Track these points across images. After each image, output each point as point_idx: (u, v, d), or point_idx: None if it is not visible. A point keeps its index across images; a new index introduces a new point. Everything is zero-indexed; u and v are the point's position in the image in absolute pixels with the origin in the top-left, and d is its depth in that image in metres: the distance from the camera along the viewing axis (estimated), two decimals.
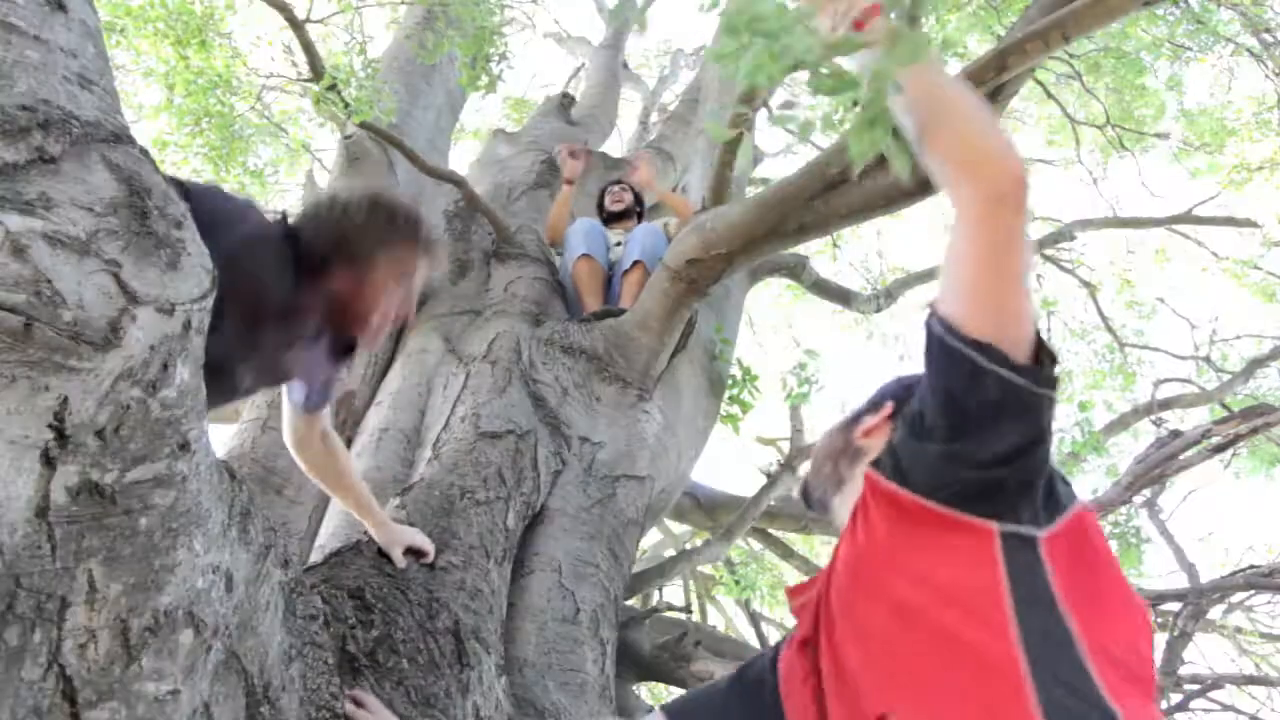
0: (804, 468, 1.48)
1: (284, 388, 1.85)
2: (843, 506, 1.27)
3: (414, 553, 1.93)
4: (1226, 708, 3.49)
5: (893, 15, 1.01)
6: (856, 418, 1.34)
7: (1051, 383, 1.00)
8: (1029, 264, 1.01)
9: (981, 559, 0.98)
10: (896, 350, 8.18)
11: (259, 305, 1.51)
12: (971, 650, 0.93)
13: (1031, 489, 1.01)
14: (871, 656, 1.02)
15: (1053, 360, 1.00)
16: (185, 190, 1.51)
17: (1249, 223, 6.49)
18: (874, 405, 1.34)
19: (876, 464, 1.12)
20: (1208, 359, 6.59)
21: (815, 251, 7.56)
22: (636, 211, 4.11)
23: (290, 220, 1.69)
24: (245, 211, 1.58)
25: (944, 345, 1.00)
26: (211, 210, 1.47)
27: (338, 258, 1.61)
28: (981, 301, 0.99)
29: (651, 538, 6.43)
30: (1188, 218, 6.57)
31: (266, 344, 1.60)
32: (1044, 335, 1.01)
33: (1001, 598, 0.95)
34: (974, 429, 1.00)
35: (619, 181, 4.24)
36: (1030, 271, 1.02)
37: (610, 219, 4.02)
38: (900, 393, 1.34)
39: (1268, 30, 5.69)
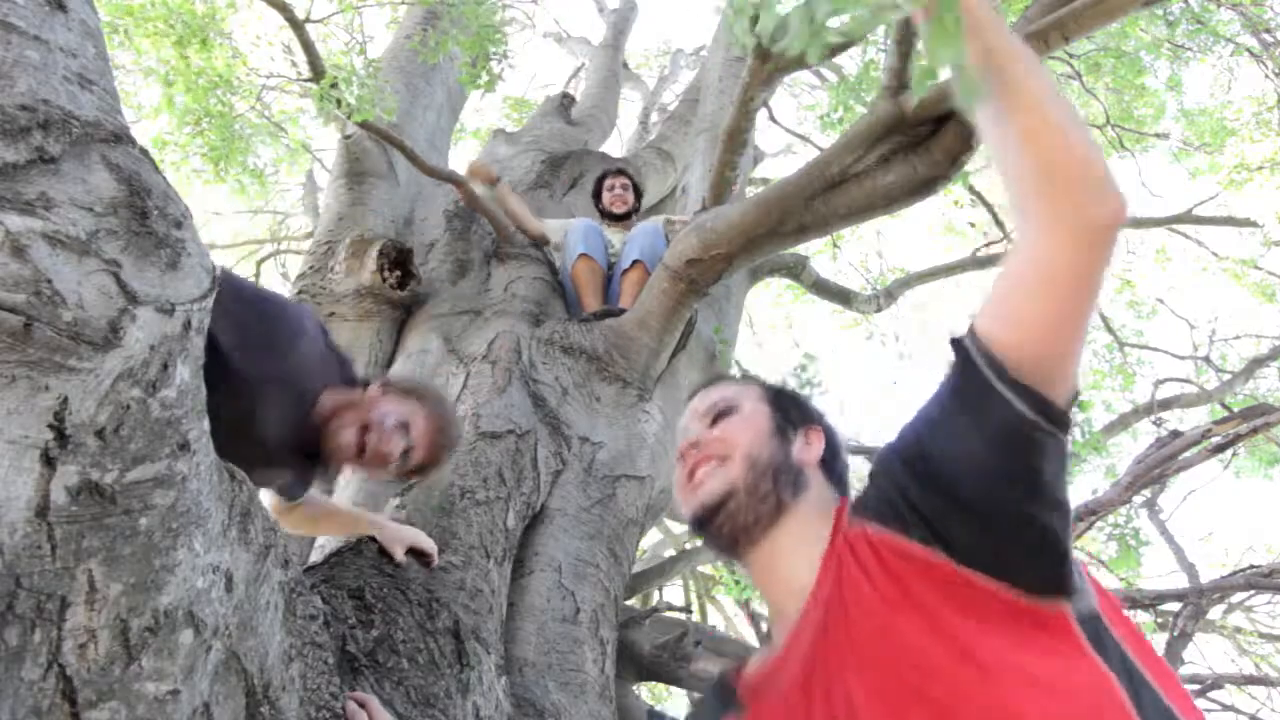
0: (710, 479, 1.06)
1: None
2: (782, 549, 1.02)
3: (416, 553, 1.93)
4: (1226, 708, 3.50)
5: None
6: (780, 427, 1.11)
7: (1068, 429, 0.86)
8: (1093, 309, 0.88)
9: (1080, 658, 0.83)
10: (896, 350, 8.18)
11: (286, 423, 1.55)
12: None
13: (1071, 551, 0.87)
14: None
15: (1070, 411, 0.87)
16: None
17: (1249, 223, 6.50)
18: (789, 415, 1.14)
19: (882, 518, 0.91)
20: (1208, 359, 6.60)
21: (815, 251, 7.56)
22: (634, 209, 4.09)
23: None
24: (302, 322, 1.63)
25: (985, 385, 0.85)
26: (278, 312, 1.52)
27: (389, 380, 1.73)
28: (1043, 346, 0.84)
29: (651, 538, 6.44)
30: (1188, 218, 6.57)
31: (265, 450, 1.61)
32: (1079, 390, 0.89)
33: (1125, 709, 0.80)
34: (1020, 488, 0.85)
35: (620, 172, 4.19)
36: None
37: (608, 218, 4.00)
38: (819, 417, 1.17)
39: (1268, 30, 5.69)
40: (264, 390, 1.48)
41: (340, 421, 1.62)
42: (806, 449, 1.11)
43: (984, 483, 0.85)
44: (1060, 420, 0.85)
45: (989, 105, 0.86)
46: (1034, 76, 0.85)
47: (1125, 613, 0.92)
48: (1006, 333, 0.86)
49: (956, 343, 0.90)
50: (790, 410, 1.15)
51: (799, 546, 1.01)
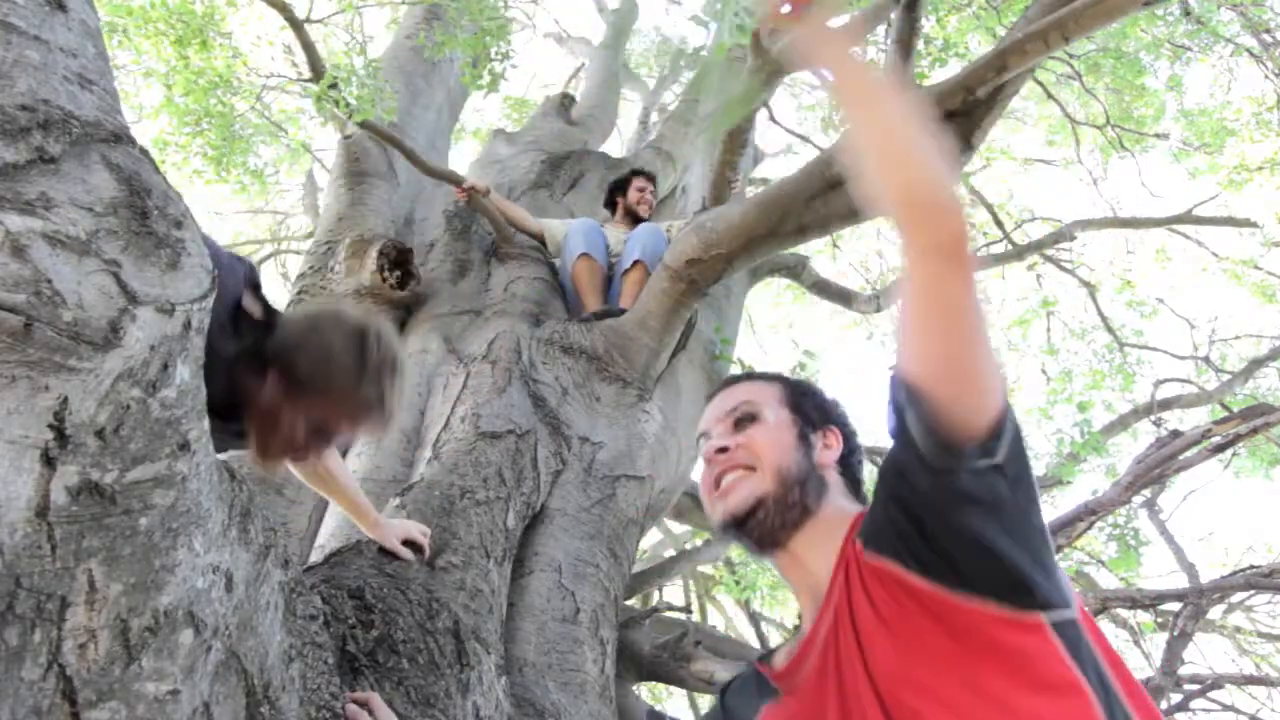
0: (739, 488, 1.11)
1: None
2: (805, 550, 1.07)
3: (413, 546, 1.93)
4: (1226, 708, 3.50)
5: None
6: (802, 434, 1.14)
7: (999, 451, 0.86)
8: (984, 322, 0.89)
9: (1054, 666, 0.84)
10: (896, 350, 8.17)
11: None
12: None
13: (1051, 556, 0.88)
14: None
15: (1013, 429, 0.88)
16: None
17: (1249, 223, 6.49)
18: (810, 418, 1.16)
19: (877, 544, 0.93)
20: (1207, 359, 6.60)
21: (815, 251, 7.56)
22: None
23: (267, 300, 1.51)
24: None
25: (910, 442, 0.89)
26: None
27: (290, 367, 1.42)
28: (947, 374, 0.87)
29: (651, 538, 6.43)
30: (1188, 218, 6.57)
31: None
32: (1010, 402, 0.89)
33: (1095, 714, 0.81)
34: (964, 532, 0.87)
35: (645, 173, 4.16)
36: (988, 328, 0.90)
37: (629, 217, 3.98)
38: (837, 416, 1.19)
39: (1268, 30, 5.69)
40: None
41: (281, 425, 1.43)
42: (826, 451, 1.14)
43: (938, 521, 0.88)
44: (980, 463, 0.85)
45: (849, 140, 0.93)
46: (870, 116, 0.91)
47: (1112, 615, 0.94)
48: (916, 368, 0.89)
49: (894, 380, 0.93)
50: (811, 412, 1.17)
51: (821, 545, 1.04)
